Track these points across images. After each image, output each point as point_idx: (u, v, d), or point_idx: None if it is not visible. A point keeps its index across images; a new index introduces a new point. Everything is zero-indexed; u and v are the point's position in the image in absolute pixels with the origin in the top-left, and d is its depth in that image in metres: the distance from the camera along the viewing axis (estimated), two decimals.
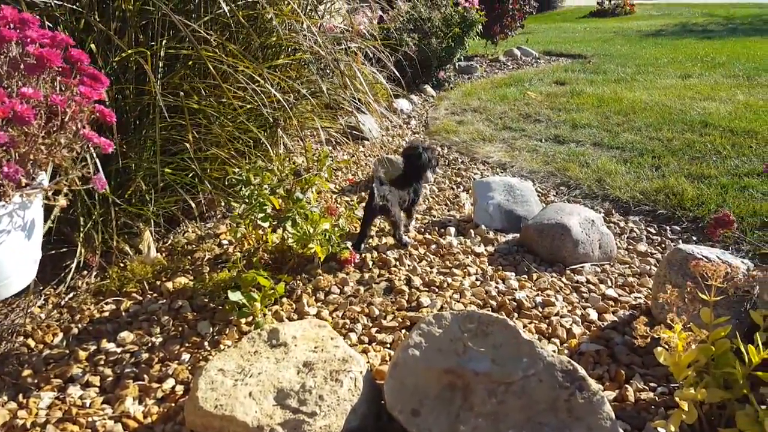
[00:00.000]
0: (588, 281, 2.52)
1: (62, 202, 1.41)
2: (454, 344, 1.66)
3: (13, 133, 1.27)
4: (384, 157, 3.98)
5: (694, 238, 2.98)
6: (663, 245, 2.94)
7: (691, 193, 3.34)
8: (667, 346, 1.57)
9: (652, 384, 1.84)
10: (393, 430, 1.65)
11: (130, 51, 2.29)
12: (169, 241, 2.83)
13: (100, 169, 1.99)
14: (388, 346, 2.11)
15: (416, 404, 1.58)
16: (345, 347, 1.79)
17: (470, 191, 3.78)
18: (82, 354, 2.04)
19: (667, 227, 3.13)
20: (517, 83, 7.18)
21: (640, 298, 2.38)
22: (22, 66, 1.32)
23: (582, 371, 1.54)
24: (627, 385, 1.81)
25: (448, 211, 3.46)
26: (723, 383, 1.64)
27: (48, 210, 1.96)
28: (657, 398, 1.77)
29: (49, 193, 1.39)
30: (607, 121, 5.15)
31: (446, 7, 7.32)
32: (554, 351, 1.96)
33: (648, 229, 3.14)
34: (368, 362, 1.93)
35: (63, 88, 1.45)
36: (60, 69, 1.38)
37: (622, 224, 3.20)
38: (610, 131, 4.85)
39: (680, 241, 2.97)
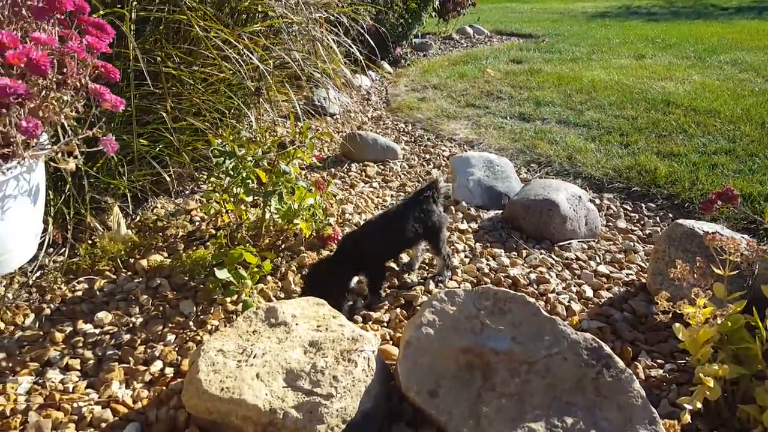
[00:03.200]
0: (578, 258, 2.49)
1: (72, 165, 1.22)
2: (470, 322, 1.58)
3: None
4: (354, 132, 3.84)
5: (671, 215, 3.00)
6: (642, 222, 2.95)
7: (664, 171, 3.37)
8: (689, 321, 1.54)
9: (659, 361, 1.82)
10: (404, 412, 1.57)
11: (102, 11, 2.06)
12: (138, 218, 2.62)
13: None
14: (385, 324, 2.01)
15: (433, 385, 1.50)
16: (351, 326, 1.68)
17: (442, 168, 3.70)
18: (59, 336, 1.87)
19: (643, 204, 3.14)
20: (474, 61, 7.13)
21: (631, 274, 2.36)
22: (24, 10, 1.12)
23: (607, 349, 1.49)
24: (636, 363, 1.79)
25: None
26: (735, 359, 1.63)
27: None
28: (667, 375, 1.75)
29: (59, 155, 1.20)
30: (570, 99, 5.17)
31: None
32: None
33: (624, 206, 3.15)
34: None
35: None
36: (65, 17, 1.19)
37: (597, 201, 3.20)
38: (574, 109, 4.86)
39: (657, 218, 2.99)
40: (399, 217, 2.21)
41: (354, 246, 2.16)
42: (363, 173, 3.57)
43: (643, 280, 2.28)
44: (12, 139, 1.11)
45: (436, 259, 2.31)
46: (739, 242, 1.59)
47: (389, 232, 2.19)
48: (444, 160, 3.84)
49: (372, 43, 4.18)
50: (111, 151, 1.20)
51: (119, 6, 2.25)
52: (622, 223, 2.91)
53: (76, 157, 1.24)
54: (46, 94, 1.16)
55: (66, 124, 1.31)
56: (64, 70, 1.19)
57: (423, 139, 4.39)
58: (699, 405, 1.45)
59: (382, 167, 3.69)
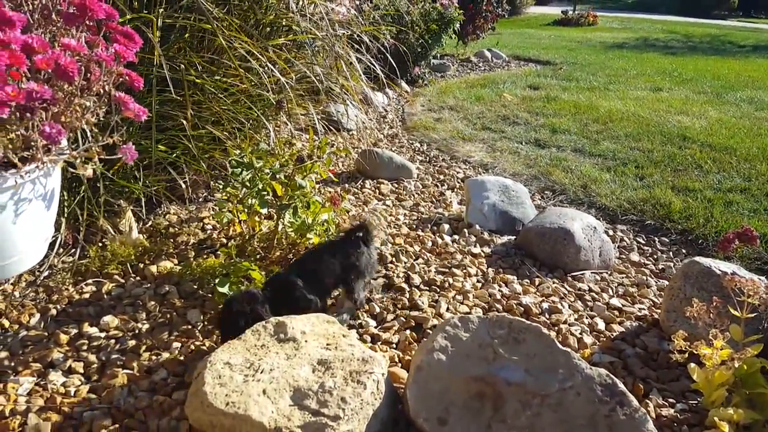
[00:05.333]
0: (590, 289, 2.46)
1: (89, 171, 1.22)
2: (483, 350, 1.56)
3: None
4: (371, 149, 3.85)
5: (684, 251, 2.98)
6: (655, 256, 2.93)
7: (679, 206, 3.35)
8: (705, 362, 1.52)
9: (671, 400, 1.79)
10: None
11: (130, 16, 2.08)
12: (150, 223, 2.63)
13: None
14: (395, 346, 1.99)
15: (443, 412, 1.48)
16: (361, 346, 1.66)
17: (456, 189, 3.70)
18: (63, 337, 1.87)
19: (656, 238, 3.12)
20: (491, 84, 7.16)
21: (644, 309, 2.34)
22: (54, 15, 1.13)
23: (621, 385, 1.46)
24: (648, 400, 1.76)
25: (435, 208, 3.36)
26: (748, 403, 1.60)
27: None
28: (678, 415, 1.72)
29: (77, 161, 1.20)
30: (586, 128, 5.17)
31: (425, 2, 7.22)
32: None
33: (637, 239, 3.12)
34: None
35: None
36: (94, 23, 1.21)
37: (611, 232, 3.17)
38: (590, 138, 4.86)
39: (670, 252, 2.97)
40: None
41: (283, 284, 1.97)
42: (377, 190, 3.58)
43: (656, 316, 2.25)
44: (33, 143, 1.12)
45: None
46: (759, 284, 1.57)
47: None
48: (458, 182, 3.84)
49: (392, 61, 4.22)
50: (130, 159, 1.21)
51: (146, 11, 2.28)
52: (635, 256, 2.89)
53: (95, 163, 1.24)
54: (71, 99, 1.16)
55: (87, 130, 1.31)
56: (89, 76, 1.20)
57: (438, 159, 4.39)
58: None
59: (396, 185, 3.69)
